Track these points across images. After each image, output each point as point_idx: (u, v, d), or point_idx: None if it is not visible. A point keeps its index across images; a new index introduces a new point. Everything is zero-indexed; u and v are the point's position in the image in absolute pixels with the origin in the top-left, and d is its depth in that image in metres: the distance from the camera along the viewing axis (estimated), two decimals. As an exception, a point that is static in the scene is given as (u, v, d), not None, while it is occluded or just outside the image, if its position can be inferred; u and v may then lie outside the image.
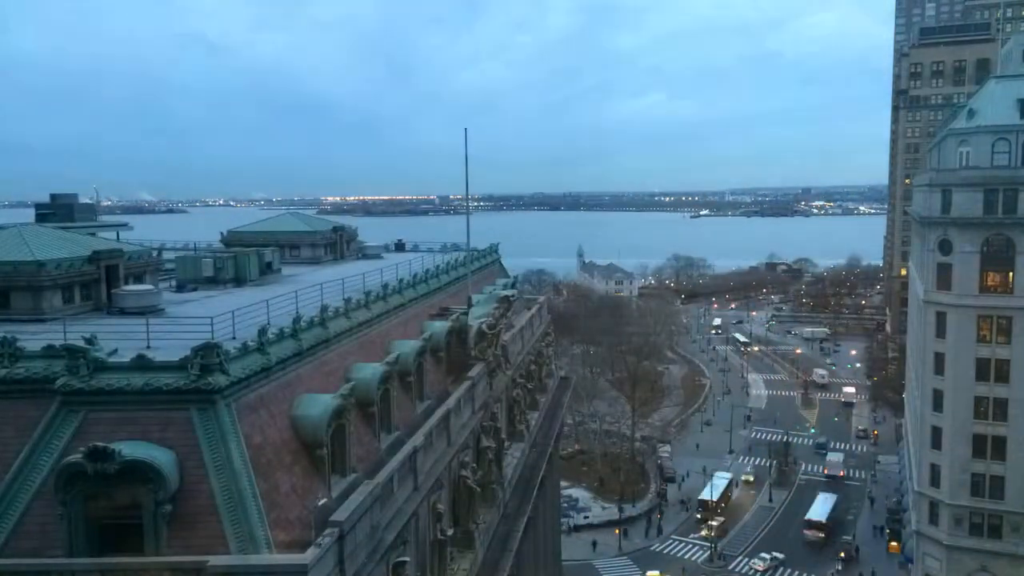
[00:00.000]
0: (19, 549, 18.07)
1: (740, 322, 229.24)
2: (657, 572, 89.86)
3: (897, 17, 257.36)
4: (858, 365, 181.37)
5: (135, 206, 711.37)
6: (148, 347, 21.84)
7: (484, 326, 35.24)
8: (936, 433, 73.87)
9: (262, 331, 22.26)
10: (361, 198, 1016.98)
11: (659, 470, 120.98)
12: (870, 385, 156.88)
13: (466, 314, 36.34)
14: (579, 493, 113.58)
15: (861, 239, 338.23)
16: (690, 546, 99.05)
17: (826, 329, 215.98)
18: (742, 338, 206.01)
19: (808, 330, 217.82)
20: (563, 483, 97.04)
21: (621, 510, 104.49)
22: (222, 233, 50.27)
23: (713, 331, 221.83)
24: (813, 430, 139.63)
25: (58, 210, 49.70)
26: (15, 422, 19.77)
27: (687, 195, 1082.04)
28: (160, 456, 18.23)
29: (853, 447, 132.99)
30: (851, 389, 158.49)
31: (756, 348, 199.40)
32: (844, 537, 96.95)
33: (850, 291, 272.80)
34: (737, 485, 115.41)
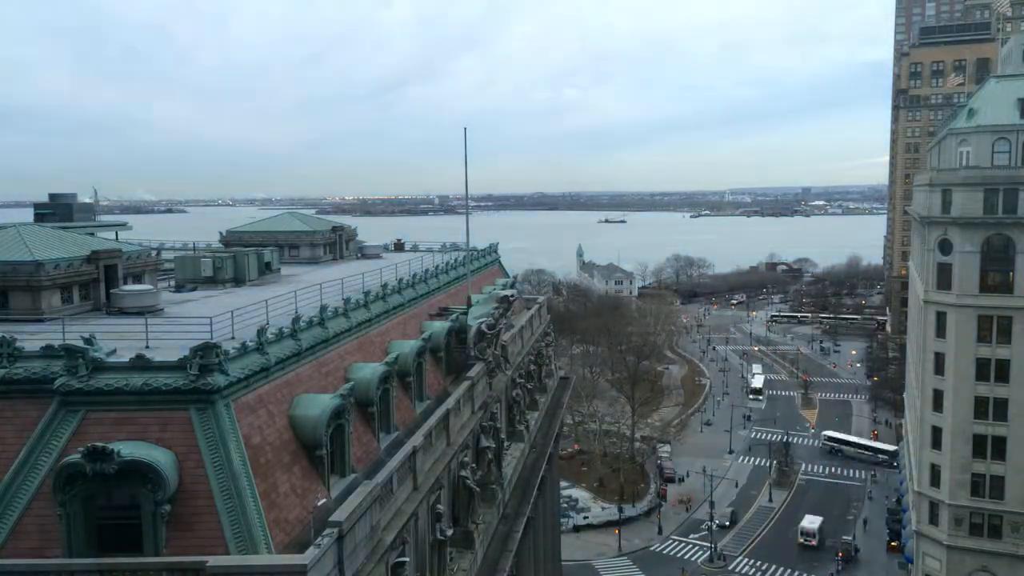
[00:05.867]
0: (18, 549, 18.04)
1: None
2: None
3: (897, 17, 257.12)
4: (858, 365, 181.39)
5: (134, 206, 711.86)
6: (147, 347, 21.84)
7: (484, 326, 35.21)
8: (936, 433, 73.76)
9: (261, 331, 22.24)
10: (360, 197, 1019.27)
11: (659, 470, 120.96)
12: (870, 385, 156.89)
13: (465, 314, 36.33)
14: (579, 493, 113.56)
15: (861, 239, 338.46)
16: (690, 546, 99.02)
17: (815, 330, 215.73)
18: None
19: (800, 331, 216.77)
20: (563, 483, 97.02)
21: (621, 510, 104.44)
22: (221, 233, 50.30)
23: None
24: (812, 430, 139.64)
25: (57, 210, 49.73)
26: (14, 422, 19.75)
27: (687, 195, 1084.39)
28: (159, 456, 18.20)
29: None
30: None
31: (756, 348, 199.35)
32: (844, 537, 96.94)
33: (850, 291, 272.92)
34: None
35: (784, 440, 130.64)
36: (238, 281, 38.15)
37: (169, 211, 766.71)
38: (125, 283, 31.37)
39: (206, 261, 37.76)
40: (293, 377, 23.30)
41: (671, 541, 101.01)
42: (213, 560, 16.85)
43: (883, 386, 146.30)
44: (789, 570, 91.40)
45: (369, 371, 26.30)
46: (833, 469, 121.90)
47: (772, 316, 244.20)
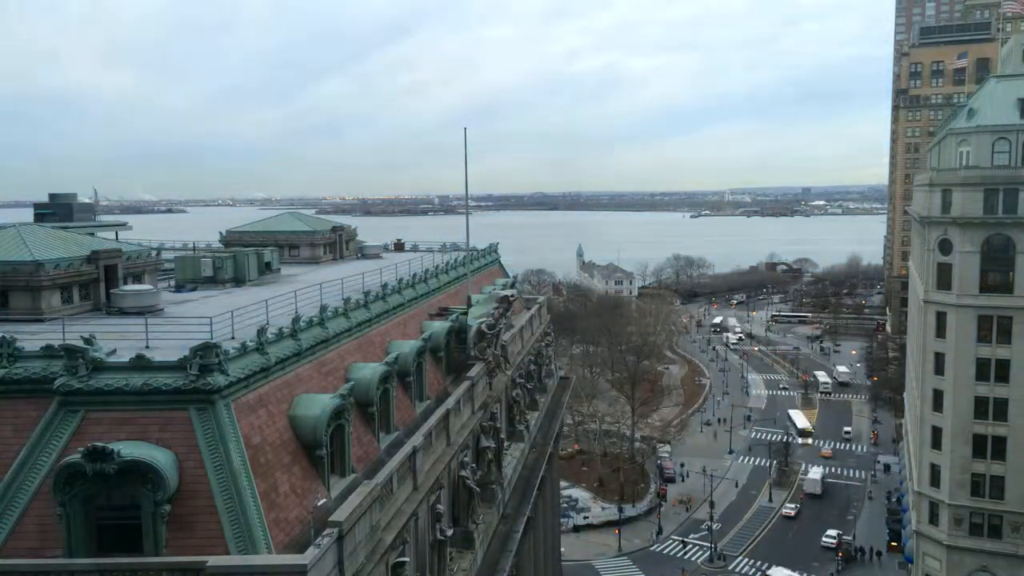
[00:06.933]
0: (18, 549, 18.04)
1: (721, 329, 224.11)
2: None
3: (897, 17, 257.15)
4: (858, 365, 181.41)
5: (134, 206, 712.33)
6: (147, 347, 21.83)
7: (483, 326, 35.21)
8: (936, 433, 73.75)
9: (261, 331, 22.23)
10: (360, 197, 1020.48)
11: (659, 470, 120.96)
12: (870, 385, 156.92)
13: (465, 314, 36.34)
14: (579, 493, 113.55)
15: (861, 239, 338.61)
16: (690, 546, 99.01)
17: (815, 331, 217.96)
18: (733, 337, 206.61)
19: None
20: (563, 483, 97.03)
21: (621, 510, 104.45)
22: (221, 233, 50.32)
23: (712, 331, 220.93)
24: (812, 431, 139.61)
25: (57, 210, 49.74)
26: (14, 422, 19.75)
27: (687, 195, 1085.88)
28: (159, 456, 18.20)
29: (852, 447, 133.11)
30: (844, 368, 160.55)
31: (756, 348, 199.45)
32: (844, 537, 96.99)
33: (850, 291, 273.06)
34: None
35: (784, 440, 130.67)
36: (238, 281, 38.15)
37: (169, 211, 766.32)
38: (125, 283, 31.36)
39: (206, 261, 37.76)
40: (293, 377, 23.29)
41: (671, 541, 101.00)
42: (213, 560, 16.85)
43: (883, 386, 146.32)
44: (789, 570, 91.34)
45: (369, 371, 26.29)
46: (833, 469, 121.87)
47: (773, 315, 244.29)
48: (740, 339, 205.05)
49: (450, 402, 29.45)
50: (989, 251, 70.18)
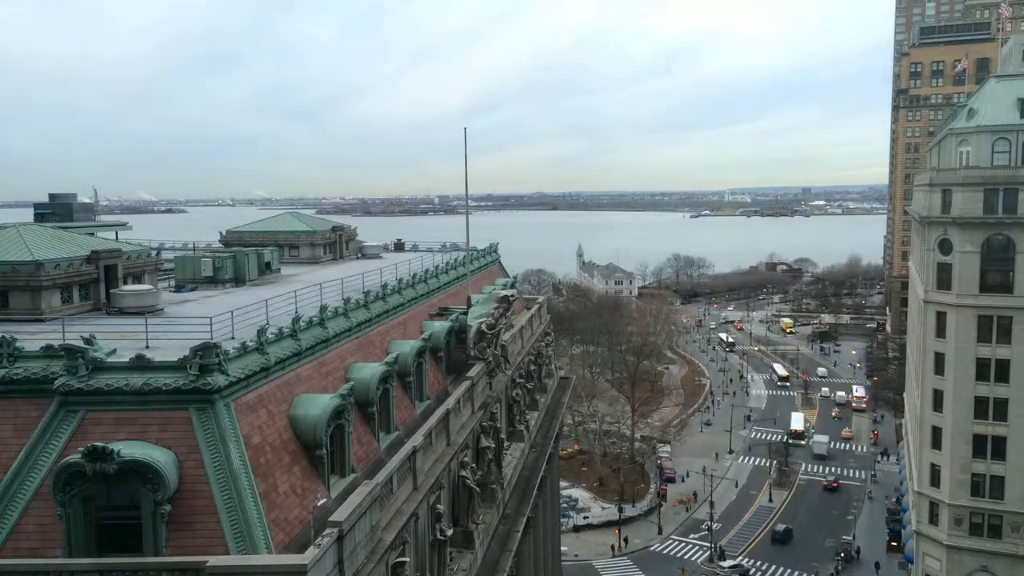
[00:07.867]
0: (18, 549, 18.04)
1: (727, 323, 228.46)
2: None
3: (897, 16, 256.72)
4: (858, 365, 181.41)
5: (134, 206, 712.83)
6: (147, 347, 21.85)
7: (483, 326, 35.21)
8: (936, 433, 73.73)
9: (261, 331, 22.24)
10: (361, 197, 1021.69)
11: (659, 470, 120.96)
12: (870, 385, 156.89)
13: (465, 314, 36.33)
14: (579, 493, 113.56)
15: (861, 239, 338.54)
16: (690, 546, 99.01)
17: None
18: (728, 338, 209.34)
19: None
20: (563, 483, 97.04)
21: (621, 510, 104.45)
22: (221, 233, 50.35)
23: (709, 331, 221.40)
24: (812, 430, 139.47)
25: (57, 210, 49.80)
26: (14, 422, 19.76)
27: (687, 195, 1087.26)
28: (159, 456, 18.20)
29: (852, 447, 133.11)
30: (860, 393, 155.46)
31: (756, 348, 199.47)
32: (844, 537, 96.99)
33: (850, 291, 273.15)
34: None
35: (784, 440, 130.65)
36: (238, 281, 38.19)
37: (169, 211, 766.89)
38: (125, 283, 31.38)
39: (206, 261, 37.80)
40: (293, 377, 23.29)
41: (671, 541, 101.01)
42: (213, 560, 16.84)
43: (883, 386, 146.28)
44: (789, 570, 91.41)
45: (369, 371, 26.29)
46: (833, 469, 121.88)
47: (772, 315, 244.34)
48: (731, 341, 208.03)
49: (450, 402, 29.45)
50: (989, 251, 70.16)
